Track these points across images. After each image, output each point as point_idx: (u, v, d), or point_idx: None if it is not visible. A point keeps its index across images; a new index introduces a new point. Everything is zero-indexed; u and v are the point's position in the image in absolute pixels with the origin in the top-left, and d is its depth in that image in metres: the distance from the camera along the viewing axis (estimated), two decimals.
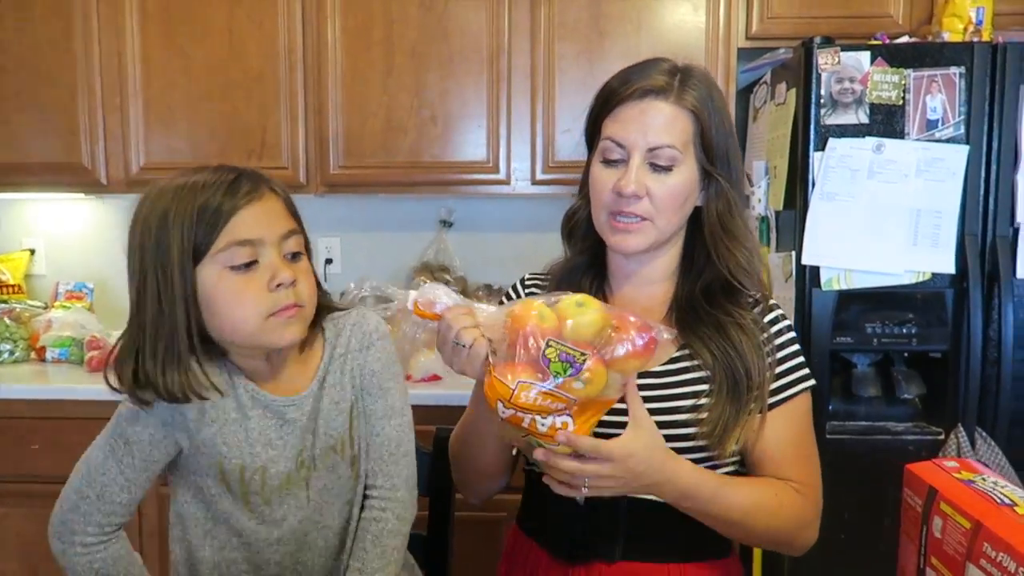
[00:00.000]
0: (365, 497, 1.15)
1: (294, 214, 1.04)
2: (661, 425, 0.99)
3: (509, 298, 1.26)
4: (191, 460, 1.07)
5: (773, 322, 1.11)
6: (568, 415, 0.89)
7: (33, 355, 2.46)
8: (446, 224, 2.65)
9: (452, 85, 2.34)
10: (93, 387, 2.17)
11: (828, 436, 1.86)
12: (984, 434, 1.80)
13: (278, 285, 0.98)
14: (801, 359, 1.10)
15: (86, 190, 2.51)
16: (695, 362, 1.07)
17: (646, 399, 1.00)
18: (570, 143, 2.34)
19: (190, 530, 1.11)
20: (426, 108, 2.35)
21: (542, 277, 1.26)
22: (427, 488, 1.32)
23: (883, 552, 1.85)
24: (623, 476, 0.92)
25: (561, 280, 1.19)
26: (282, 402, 1.07)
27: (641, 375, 1.01)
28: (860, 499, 1.86)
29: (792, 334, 1.11)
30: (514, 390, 0.86)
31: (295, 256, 1.02)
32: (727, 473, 1.07)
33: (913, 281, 1.81)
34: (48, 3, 2.38)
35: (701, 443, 1.04)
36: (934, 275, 1.81)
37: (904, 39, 1.99)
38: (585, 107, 2.30)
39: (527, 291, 1.25)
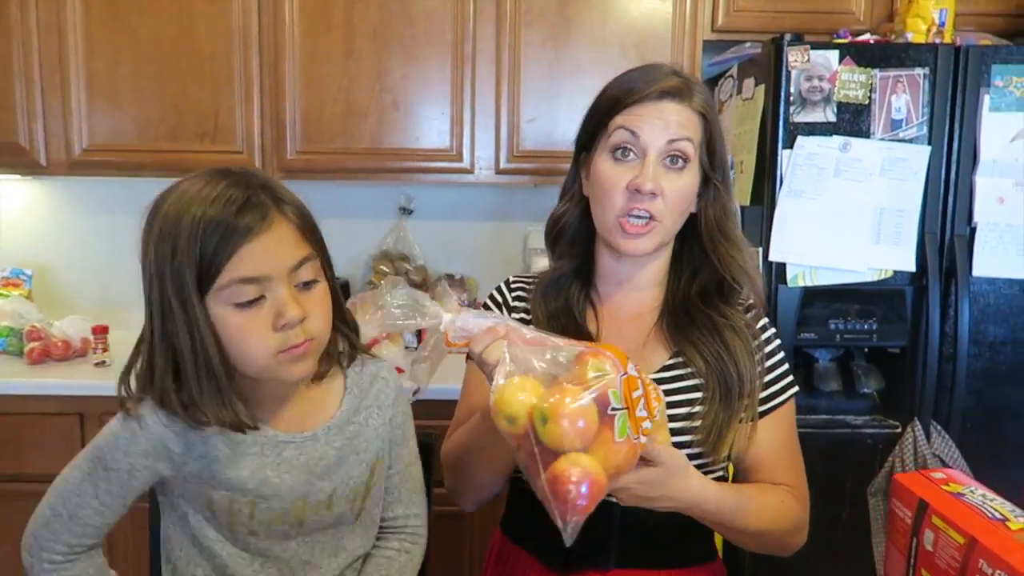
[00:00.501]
0: (386, 531, 1.17)
1: (310, 236, 0.97)
2: None
3: (494, 299, 1.22)
4: (176, 485, 1.02)
5: (763, 329, 1.12)
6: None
7: None
8: (406, 211, 2.59)
9: (415, 70, 2.28)
10: (34, 381, 2.06)
11: None
12: (939, 427, 1.85)
13: (285, 325, 0.92)
14: (788, 366, 1.12)
15: (24, 171, 2.37)
16: (688, 369, 1.07)
17: None
18: (535, 132, 2.31)
19: (174, 552, 1.07)
20: (388, 93, 2.28)
21: (528, 281, 1.22)
22: None
23: (841, 542, 1.91)
24: (636, 486, 0.88)
25: (548, 289, 1.16)
26: (282, 438, 1.02)
27: None
28: (820, 491, 1.89)
29: (779, 342, 1.13)
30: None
31: (308, 284, 0.96)
32: (716, 478, 1.07)
33: (875, 278, 1.85)
34: None
35: (696, 450, 1.03)
36: (895, 272, 1.85)
37: (866, 36, 2.01)
38: (550, 95, 2.30)
39: (513, 295, 1.21)
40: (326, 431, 1.05)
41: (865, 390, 1.92)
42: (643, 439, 0.82)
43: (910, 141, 1.83)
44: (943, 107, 1.83)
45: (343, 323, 1.06)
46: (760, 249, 1.88)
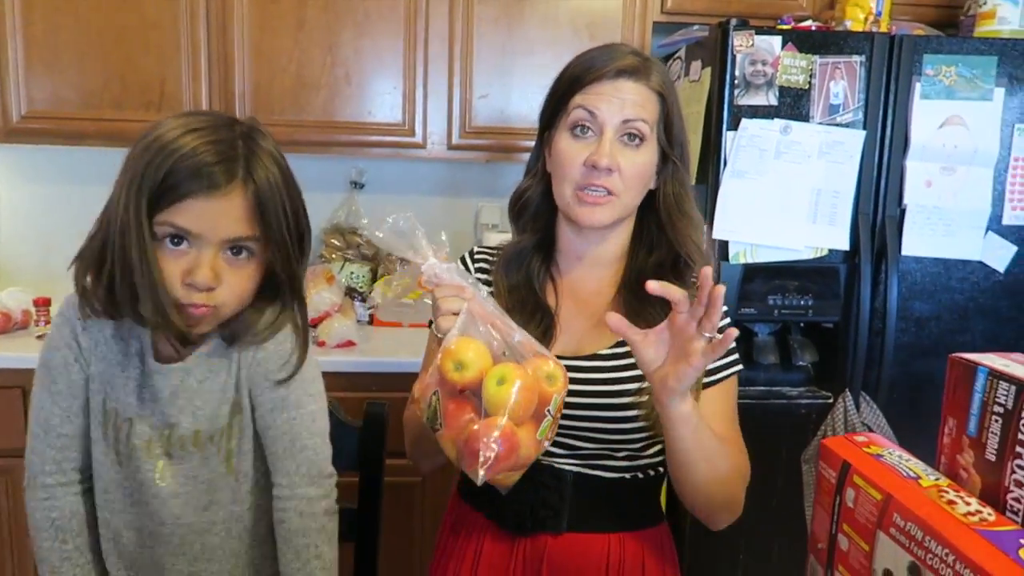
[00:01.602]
0: (275, 499, 1.11)
1: (261, 217, 0.97)
2: (606, 407, 1.04)
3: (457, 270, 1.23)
4: (89, 398, 1.06)
5: None
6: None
7: None
8: (357, 185, 2.59)
9: (367, 44, 2.27)
10: None
11: None
12: (868, 398, 1.96)
13: (190, 284, 0.95)
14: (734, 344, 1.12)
15: None
16: None
17: (590, 382, 1.06)
18: (487, 108, 2.33)
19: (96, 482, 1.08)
20: (340, 66, 2.27)
21: (491, 253, 1.24)
22: (357, 463, 1.32)
23: (777, 509, 2.00)
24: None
25: (510, 262, 1.18)
26: (152, 367, 1.04)
27: (587, 358, 1.10)
28: (756, 460, 1.98)
29: (728, 320, 1.12)
30: (412, 397, 0.97)
31: (237, 257, 0.98)
32: (660, 450, 1.12)
33: (811, 256, 1.94)
34: None
35: (642, 423, 1.08)
36: (830, 251, 1.94)
37: (808, 23, 2.08)
38: (503, 73, 2.31)
39: (476, 266, 1.23)
40: (196, 360, 1.05)
41: (800, 363, 2.02)
42: (545, 444, 0.93)
43: (846, 126, 1.91)
44: (878, 93, 1.92)
45: (296, 312, 1.08)
46: (704, 227, 1.94)
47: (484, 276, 1.20)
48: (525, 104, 2.32)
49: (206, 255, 0.95)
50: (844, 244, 1.93)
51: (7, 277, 2.51)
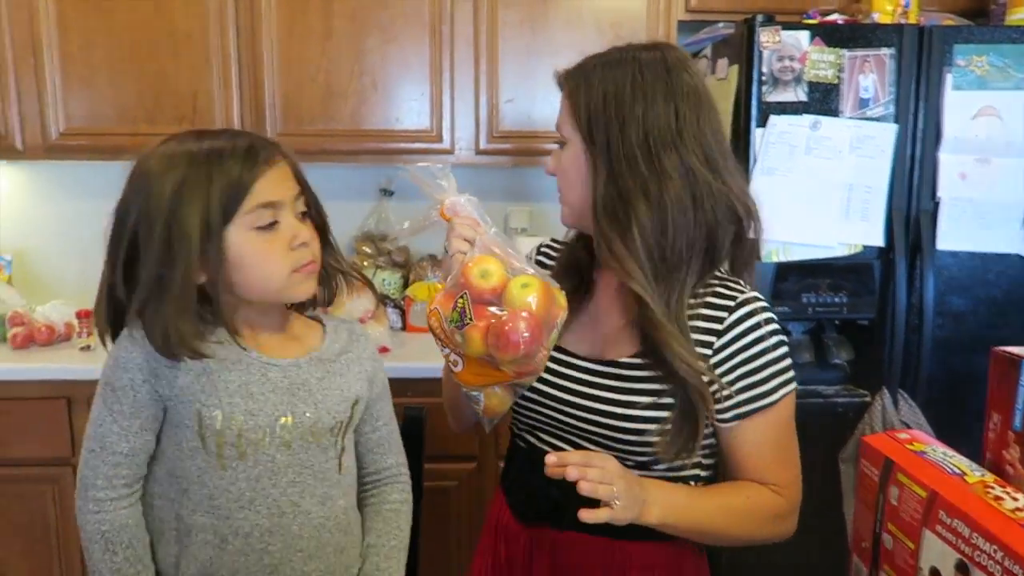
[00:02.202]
0: (382, 482, 1.25)
1: (299, 177, 1.11)
2: (617, 416, 1.05)
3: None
4: (172, 412, 1.09)
5: (738, 322, 1.04)
6: (459, 356, 1.03)
7: None
8: (387, 193, 2.62)
9: (393, 51, 2.29)
10: (19, 366, 2.07)
11: None
12: (906, 396, 1.94)
13: (300, 244, 1.06)
14: (784, 364, 1.06)
15: (0, 156, 2.35)
16: (644, 373, 1.06)
17: (605, 388, 1.08)
18: (514, 112, 2.34)
19: (175, 488, 1.11)
20: (367, 74, 2.29)
21: (556, 250, 1.24)
22: None
23: (814, 508, 1.98)
24: (619, 480, 0.94)
25: (563, 249, 1.21)
26: (266, 360, 1.11)
27: (606, 364, 1.09)
28: None
29: (774, 339, 1.05)
30: (431, 309, 1.02)
31: (304, 215, 1.10)
32: (690, 477, 1.09)
33: (845, 253, 1.92)
34: None
35: (651, 438, 1.05)
36: (864, 247, 1.92)
37: (835, 17, 2.06)
38: (528, 76, 2.33)
39: (537, 257, 1.27)
40: (308, 361, 1.15)
41: (836, 361, 2.00)
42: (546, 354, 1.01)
43: (877, 119, 1.89)
44: (908, 86, 1.90)
45: (333, 255, 1.18)
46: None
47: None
48: (550, 107, 2.32)
49: (291, 217, 1.07)
50: (878, 240, 1.91)
51: (50, 290, 2.57)
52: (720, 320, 1.04)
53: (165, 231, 1.01)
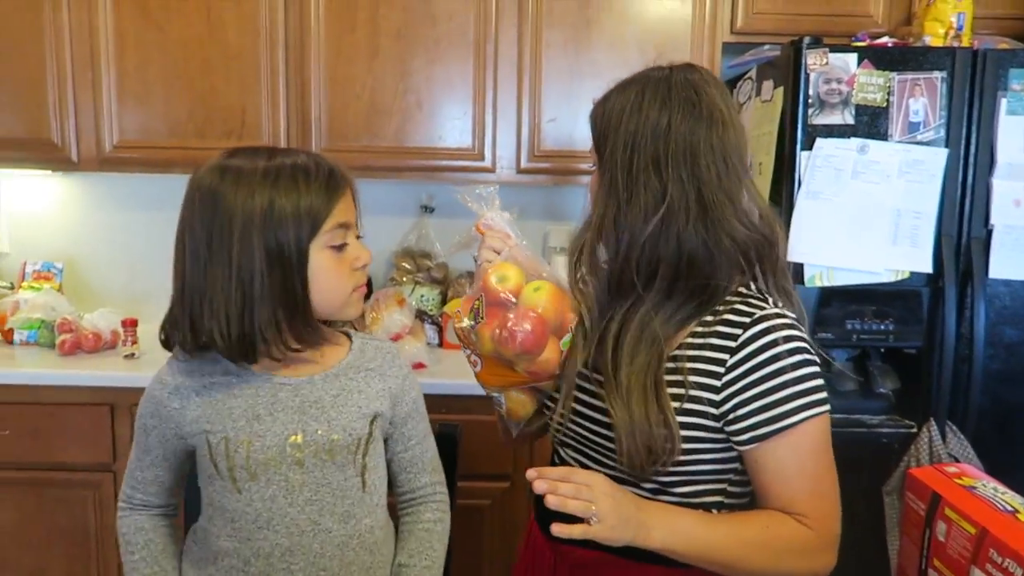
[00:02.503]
0: (416, 502, 1.27)
1: (357, 202, 1.17)
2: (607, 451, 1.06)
3: None
4: (194, 444, 1.16)
5: (753, 339, 0.99)
6: (478, 357, 1.11)
7: (0, 337, 2.39)
8: (427, 209, 2.64)
9: (438, 70, 2.32)
10: (67, 372, 2.12)
11: None
12: (954, 428, 1.88)
13: (362, 266, 1.15)
14: (806, 385, 0.98)
15: (55, 167, 2.43)
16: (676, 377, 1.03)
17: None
18: (555, 132, 2.34)
19: (203, 517, 1.19)
20: (412, 93, 2.32)
21: None
22: None
23: (855, 541, 1.93)
24: (603, 499, 0.92)
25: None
26: (279, 380, 1.15)
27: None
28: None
29: (795, 358, 0.98)
30: (455, 312, 1.10)
31: (358, 238, 1.17)
32: (712, 504, 1.06)
33: (892, 279, 1.87)
34: None
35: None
36: (912, 274, 1.87)
37: (884, 40, 2.03)
38: (571, 96, 2.34)
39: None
40: (323, 378, 1.17)
41: (881, 390, 1.95)
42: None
43: (928, 144, 1.85)
44: (960, 110, 1.85)
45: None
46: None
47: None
48: None
49: (356, 240, 1.15)
50: (927, 267, 1.86)
51: (97, 299, 2.64)
52: (735, 337, 1.00)
53: (265, 244, 1.06)
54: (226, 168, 1.09)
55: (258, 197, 1.06)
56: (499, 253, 1.10)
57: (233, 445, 1.10)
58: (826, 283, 1.87)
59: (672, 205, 0.99)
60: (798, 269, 1.87)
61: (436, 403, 2.07)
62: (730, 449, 1.02)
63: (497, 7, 2.30)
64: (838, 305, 1.89)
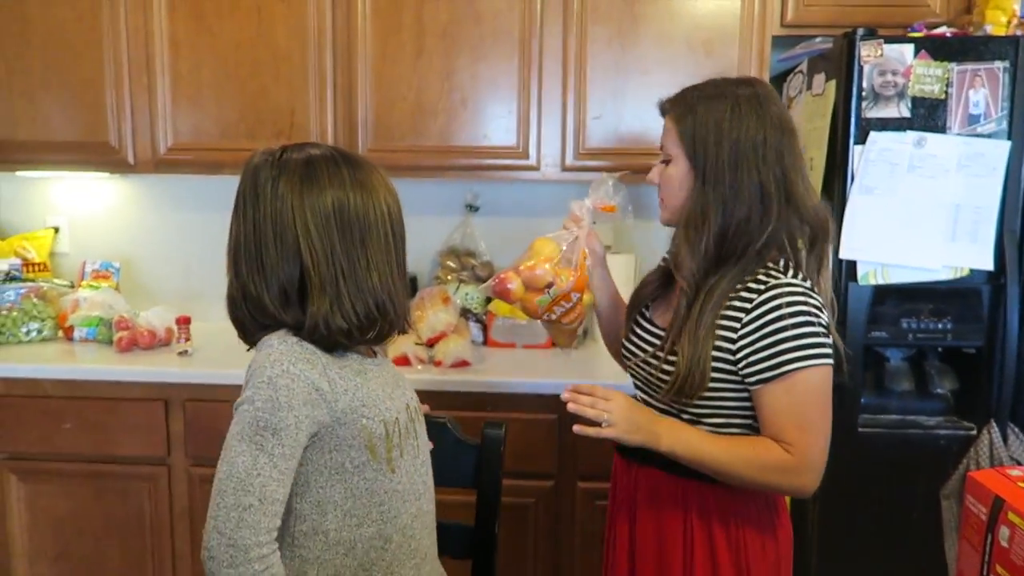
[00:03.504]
0: None
1: None
2: (656, 368, 1.31)
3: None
4: (328, 438, 1.10)
5: (763, 303, 1.21)
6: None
7: (60, 334, 2.47)
8: (472, 208, 2.64)
9: (483, 68, 2.32)
10: (123, 368, 2.18)
11: (860, 429, 1.87)
12: (1017, 430, 1.81)
13: None
14: (802, 341, 1.19)
15: (112, 169, 2.50)
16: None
17: (651, 344, 1.36)
18: (601, 129, 2.32)
19: (328, 516, 1.12)
20: (456, 91, 2.33)
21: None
22: (474, 481, 1.33)
23: (912, 545, 1.88)
24: (619, 411, 1.19)
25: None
26: (368, 362, 1.20)
27: (658, 327, 1.38)
28: (891, 492, 1.88)
29: (795, 319, 1.19)
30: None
31: None
32: (734, 434, 1.28)
33: (950, 277, 1.81)
34: None
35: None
36: (972, 271, 1.81)
37: (942, 30, 1.96)
38: (616, 93, 2.32)
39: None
40: (382, 358, 1.26)
41: (939, 391, 1.89)
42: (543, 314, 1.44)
43: (988, 136, 1.79)
44: (1023, 101, 1.78)
45: None
46: (830, 246, 1.86)
47: None
48: (639, 123, 2.30)
49: None
50: (988, 264, 1.80)
51: (152, 297, 2.71)
52: (750, 301, 1.22)
53: (384, 233, 1.15)
54: (345, 179, 1.15)
55: (381, 202, 1.16)
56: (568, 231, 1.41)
57: (388, 426, 1.14)
58: (880, 281, 1.82)
59: (767, 199, 1.23)
60: (851, 266, 1.83)
61: (480, 400, 2.09)
62: (746, 390, 1.24)
63: (542, 4, 2.29)
64: (893, 303, 1.84)
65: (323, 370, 1.08)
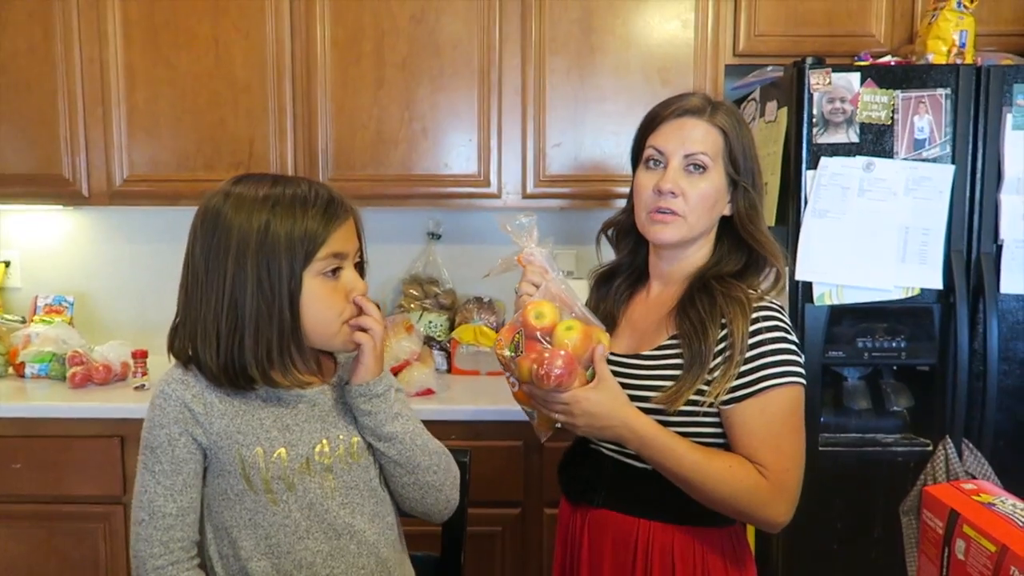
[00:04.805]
0: None
1: (360, 233, 1.17)
2: (636, 399, 1.19)
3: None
4: (214, 462, 1.12)
5: (755, 320, 1.19)
6: (515, 380, 1.18)
7: (11, 371, 2.40)
8: (434, 236, 2.65)
9: (443, 98, 2.34)
10: (77, 404, 2.12)
11: (820, 448, 1.89)
12: (971, 445, 1.85)
13: (355, 295, 1.12)
14: (781, 357, 1.17)
15: (66, 202, 2.46)
16: (678, 349, 1.22)
17: (628, 376, 1.23)
18: (561, 156, 2.35)
19: (225, 542, 1.14)
20: (417, 121, 2.34)
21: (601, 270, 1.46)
22: None
23: (874, 560, 1.90)
24: (582, 415, 1.13)
25: (599, 277, 1.43)
26: (294, 394, 1.15)
27: (631, 357, 1.27)
28: (852, 509, 1.91)
29: (774, 334, 1.18)
30: (497, 340, 1.17)
31: (358, 268, 1.16)
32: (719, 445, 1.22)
33: (902, 296, 1.86)
34: (27, 7, 2.32)
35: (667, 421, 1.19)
36: (922, 290, 1.86)
37: (887, 59, 2.04)
38: (575, 121, 2.35)
39: (592, 282, 1.46)
40: (332, 387, 1.20)
41: (895, 408, 1.93)
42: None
43: (934, 160, 1.85)
44: (966, 126, 1.85)
45: None
46: (786, 268, 1.90)
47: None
48: (598, 151, 2.34)
49: (351, 270, 1.13)
50: (937, 283, 1.85)
51: (107, 331, 2.65)
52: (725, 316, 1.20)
53: (257, 270, 1.06)
54: (229, 192, 1.10)
55: (255, 220, 1.06)
56: (537, 287, 1.20)
57: (267, 456, 1.10)
58: (835, 301, 1.86)
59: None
60: (807, 288, 1.87)
61: (445, 429, 2.07)
62: (718, 413, 1.19)
63: (500, 35, 2.32)
64: (848, 323, 1.88)
65: (199, 392, 1.10)
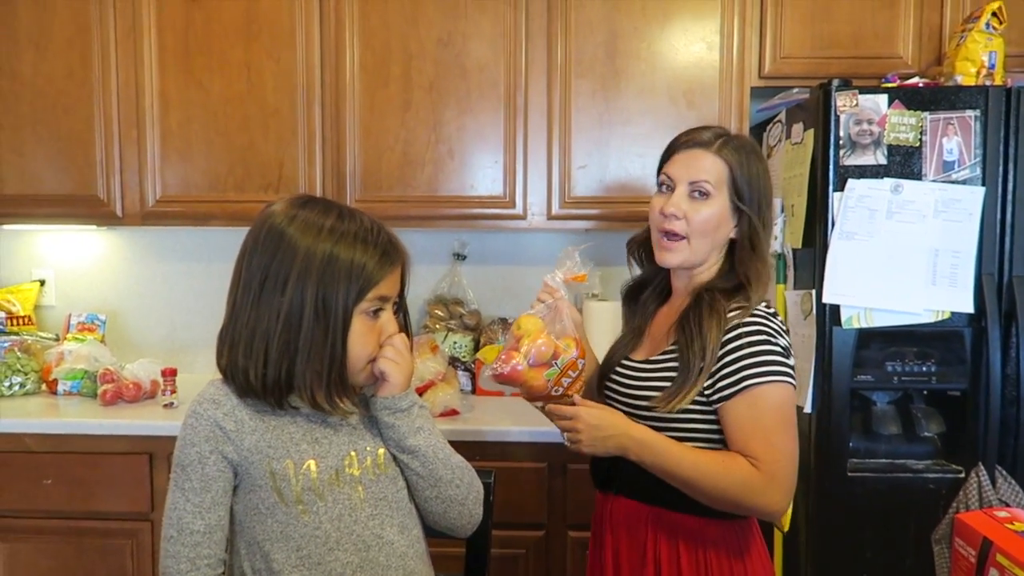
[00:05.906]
0: None
1: (405, 279, 1.21)
2: (640, 399, 1.35)
3: None
4: (245, 478, 1.14)
5: (735, 327, 1.30)
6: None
7: (44, 388, 2.45)
8: (460, 257, 2.66)
9: (469, 120, 2.36)
10: (107, 421, 2.15)
11: (849, 474, 1.87)
12: (1004, 472, 1.81)
13: (387, 338, 1.17)
14: (764, 358, 1.27)
15: (100, 222, 2.51)
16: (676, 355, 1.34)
17: (634, 378, 1.39)
18: (586, 178, 2.36)
19: (257, 557, 1.16)
20: (443, 143, 2.37)
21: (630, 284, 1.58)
22: None
23: None
24: (586, 428, 1.28)
25: (629, 291, 1.56)
26: (317, 415, 1.18)
27: (641, 362, 1.41)
28: (882, 537, 1.87)
29: (757, 337, 1.29)
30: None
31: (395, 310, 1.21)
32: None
33: (932, 320, 1.83)
34: (66, 33, 2.40)
35: (666, 423, 1.32)
36: (953, 314, 1.83)
37: (915, 80, 2.03)
38: (600, 143, 2.36)
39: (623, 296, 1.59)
40: (357, 402, 1.21)
41: (926, 434, 1.89)
42: (552, 387, 1.33)
43: (963, 182, 1.83)
44: (996, 148, 1.83)
45: None
46: (813, 291, 1.88)
47: None
48: (623, 172, 2.35)
49: (390, 313, 1.18)
50: (968, 306, 1.83)
51: (137, 349, 2.69)
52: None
53: (315, 296, 1.09)
54: (296, 216, 1.13)
55: (321, 247, 1.09)
56: (545, 304, 1.35)
57: (298, 468, 1.13)
58: (864, 324, 1.84)
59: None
60: (835, 311, 1.85)
61: (470, 449, 2.06)
62: (715, 413, 1.30)
63: (527, 58, 2.35)
64: (877, 347, 1.86)
65: (231, 410, 1.14)
